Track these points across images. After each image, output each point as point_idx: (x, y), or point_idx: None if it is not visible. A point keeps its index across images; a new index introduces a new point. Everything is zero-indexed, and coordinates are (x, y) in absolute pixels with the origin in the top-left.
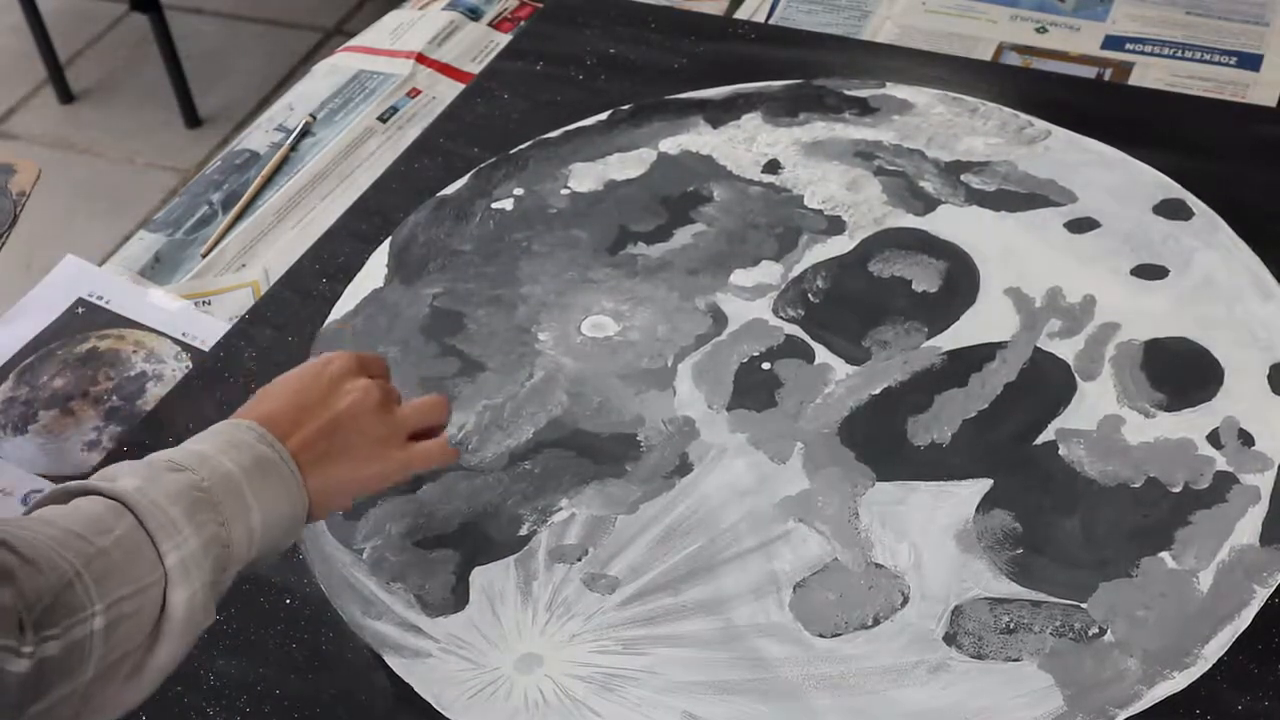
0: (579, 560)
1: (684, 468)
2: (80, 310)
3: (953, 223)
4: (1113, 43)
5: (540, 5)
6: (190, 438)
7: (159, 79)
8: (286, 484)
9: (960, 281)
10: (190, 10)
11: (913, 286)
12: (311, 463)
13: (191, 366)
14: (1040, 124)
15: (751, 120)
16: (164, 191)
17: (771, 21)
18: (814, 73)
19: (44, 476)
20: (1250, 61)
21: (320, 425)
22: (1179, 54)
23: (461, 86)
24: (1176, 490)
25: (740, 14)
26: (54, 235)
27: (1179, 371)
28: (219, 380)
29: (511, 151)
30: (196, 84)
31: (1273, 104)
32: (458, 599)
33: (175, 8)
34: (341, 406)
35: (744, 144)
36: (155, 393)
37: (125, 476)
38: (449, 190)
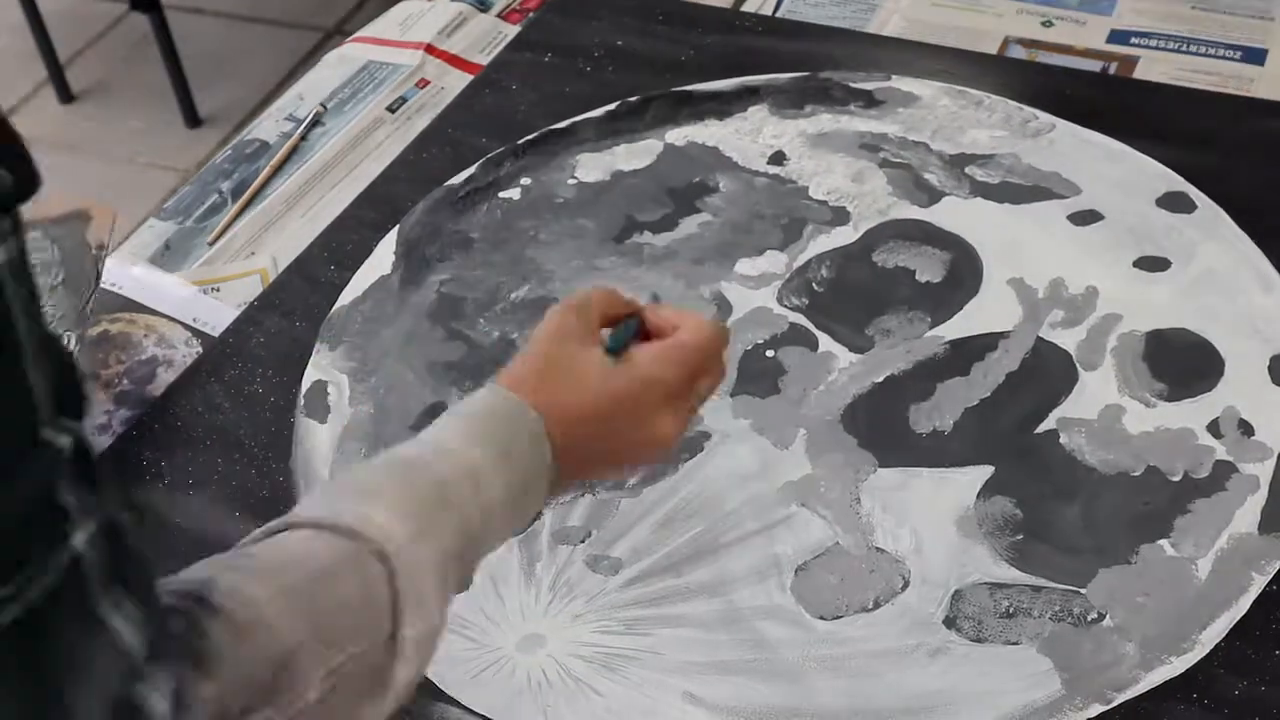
0: (582, 542)
1: (687, 452)
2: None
3: (957, 214)
4: (1118, 37)
5: None
6: (468, 409)
7: (159, 79)
8: (532, 506)
9: (963, 272)
10: (190, 10)
11: (916, 277)
12: (565, 481)
13: (201, 352)
14: (1045, 117)
15: (758, 112)
16: (164, 191)
17: (778, 14)
18: (820, 65)
19: None
20: (1255, 56)
21: (605, 454)
22: (1184, 48)
23: (470, 77)
24: (1176, 479)
25: (747, 7)
26: None
27: (1180, 362)
28: (228, 365)
29: (519, 142)
30: (196, 84)
31: (1277, 98)
32: None
33: (175, 8)
34: (640, 442)
35: (750, 135)
36: (165, 377)
37: (391, 511)
38: (457, 180)
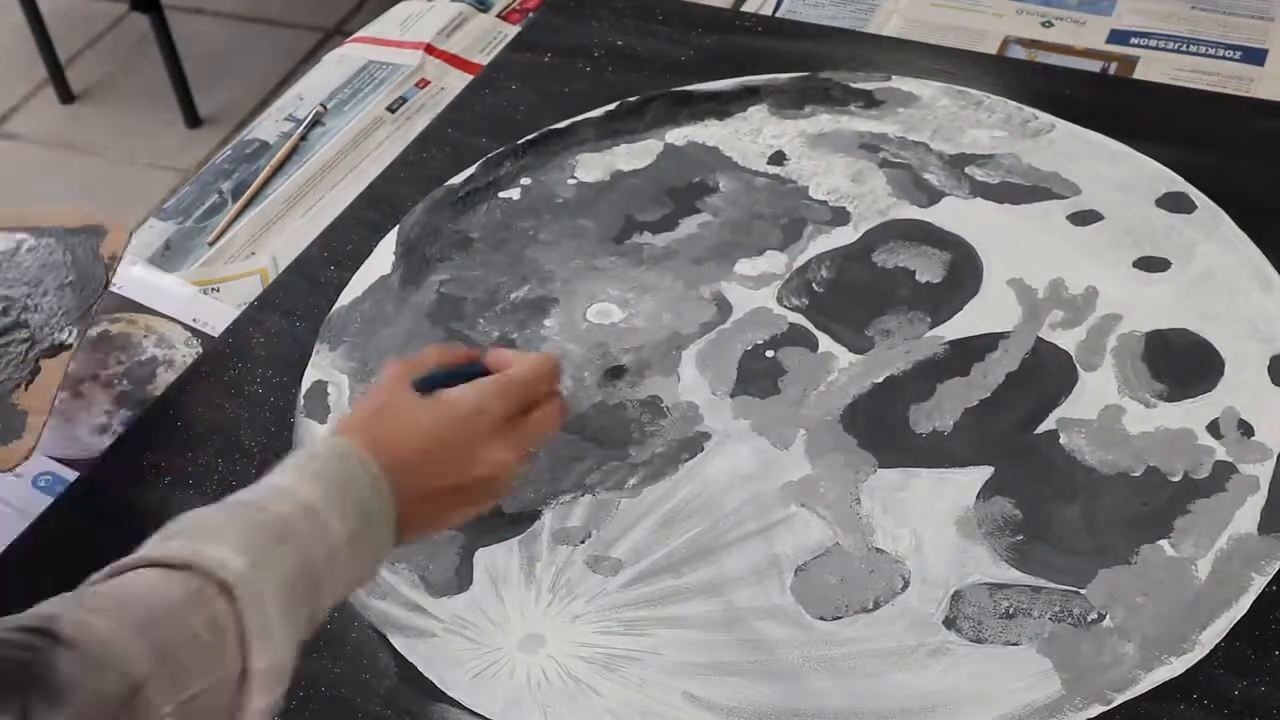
0: (582, 542)
1: (687, 452)
2: None
3: (956, 214)
4: (1118, 37)
5: None
6: (305, 455)
7: (159, 79)
8: (379, 547)
9: (963, 272)
10: (190, 10)
11: (916, 277)
12: (413, 523)
13: (201, 352)
14: (1045, 117)
15: (758, 112)
16: (164, 191)
17: (778, 14)
18: (820, 65)
19: (54, 459)
20: (1255, 56)
21: (442, 490)
22: (1184, 48)
23: (470, 77)
24: (1176, 479)
25: (747, 7)
26: None
27: (1180, 362)
28: (227, 366)
29: (519, 142)
30: (196, 84)
31: (1277, 98)
32: (461, 580)
33: (175, 8)
34: (472, 478)
35: (750, 135)
36: (165, 377)
37: (229, 545)
38: (457, 180)
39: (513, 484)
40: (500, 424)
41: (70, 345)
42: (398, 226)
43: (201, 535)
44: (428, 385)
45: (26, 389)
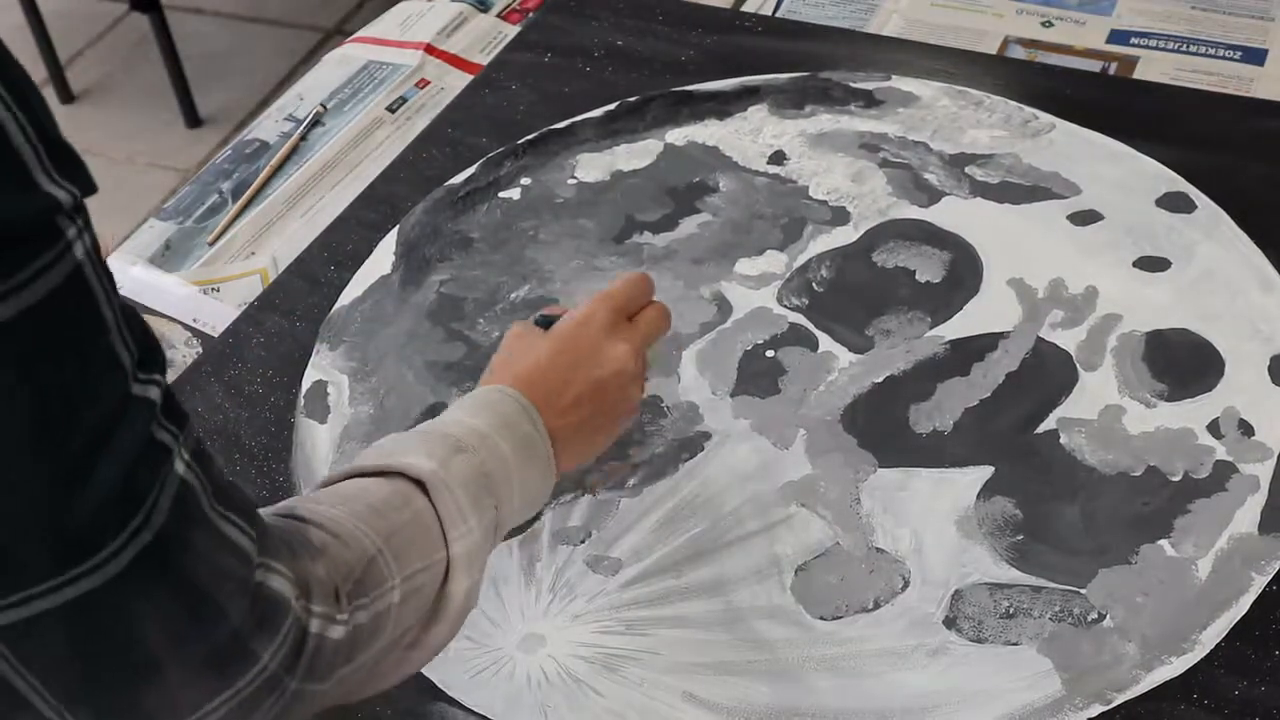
0: (582, 542)
1: (687, 452)
2: None
3: (956, 214)
4: (1118, 37)
5: None
6: (458, 403)
7: (159, 79)
8: (544, 465)
9: (963, 272)
10: (190, 10)
11: (916, 277)
12: (565, 438)
13: (201, 352)
14: (1045, 117)
15: (758, 112)
16: (164, 191)
17: (778, 14)
18: (820, 65)
19: None
20: (1255, 56)
21: (577, 395)
22: (1184, 48)
23: (470, 77)
24: (1176, 479)
25: (747, 7)
26: None
27: (1180, 362)
28: (227, 366)
29: (519, 142)
30: (196, 84)
31: (1277, 98)
32: None
33: (175, 8)
34: (601, 376)
35: (750, 135)
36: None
37: (418, 455)
38: (457, 180)
39: (641, 385)
40: (610, 325)
41: None
42: (398, 226)
43: (394, 450)
44: (547, 323)
45: None
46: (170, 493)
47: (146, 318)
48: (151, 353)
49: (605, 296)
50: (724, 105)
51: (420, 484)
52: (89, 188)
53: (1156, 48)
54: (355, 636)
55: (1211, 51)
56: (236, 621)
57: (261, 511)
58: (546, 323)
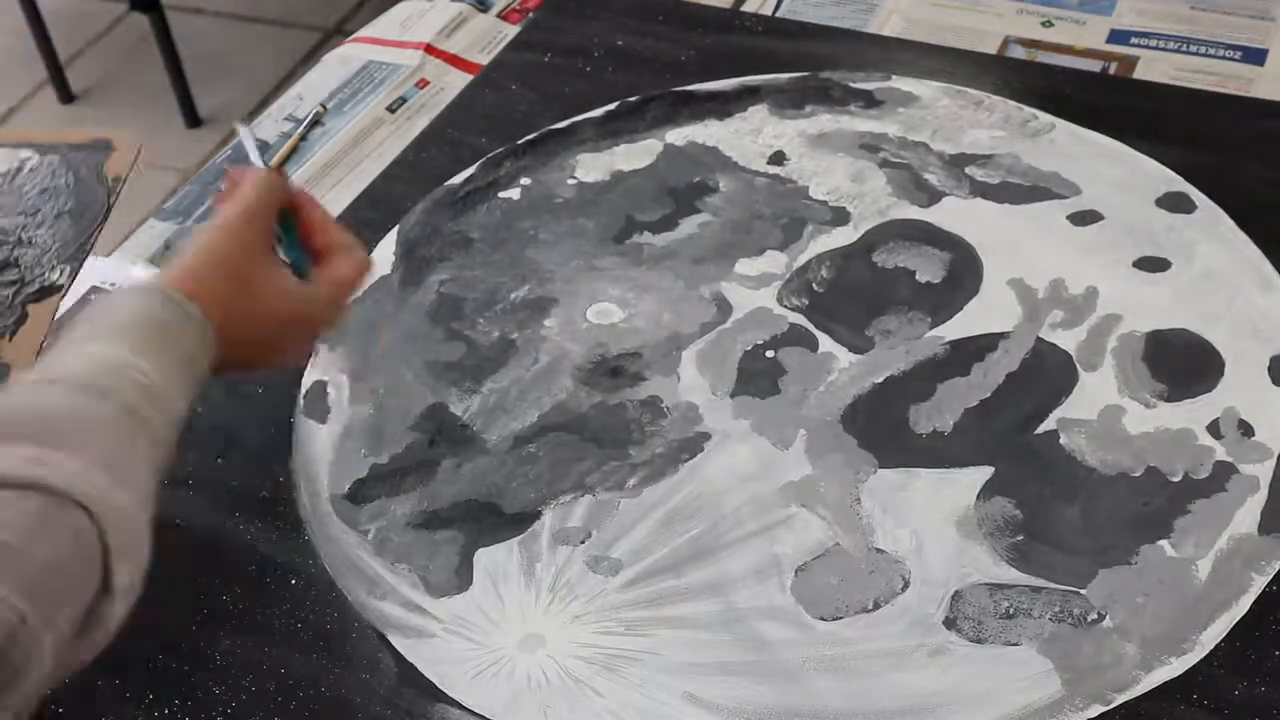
0: (582, 543)
1: (687, 453)
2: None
3: (956, 214)
4: (1118, 37)
5: None
6: (111, 312)
7: (159, 79)
8: (203, 370)
9: (963, 272)
10: (190, 10)
11: (916, 277)
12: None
13: None
14: (1045, 117)
15: (758, 112)
16: (164, 192)
17: (778, 14)
18: (820, 65)
19: None
20: (1255, 56)
21: (266, 353)
22: (1184, 48)
23: (470, 77)
24: (1176, 479)
25: (747, 7)
26: None
27: (1180, 363)
28: None
29: (519, 142)
30: (196, 84)
31: (1277, 98)
32: (461, 580)
33: (175, 8)
34: (295, 349)
35: (750, 135)
36: None
37: (82, 459)
38: (457, 180)
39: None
40: (329, 318)
41: (60, 287)
42: (398, 226)
43: (45, 437)
44: (287, 238)
45: (10, 339)
46: None
47: None
48: None
49: (341, 297)
50: (724, 105)
51: (90, 512)
52: None
53: (1156, 48)
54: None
55: (1211, 51)
56: None
57: None
58: (300, 265)
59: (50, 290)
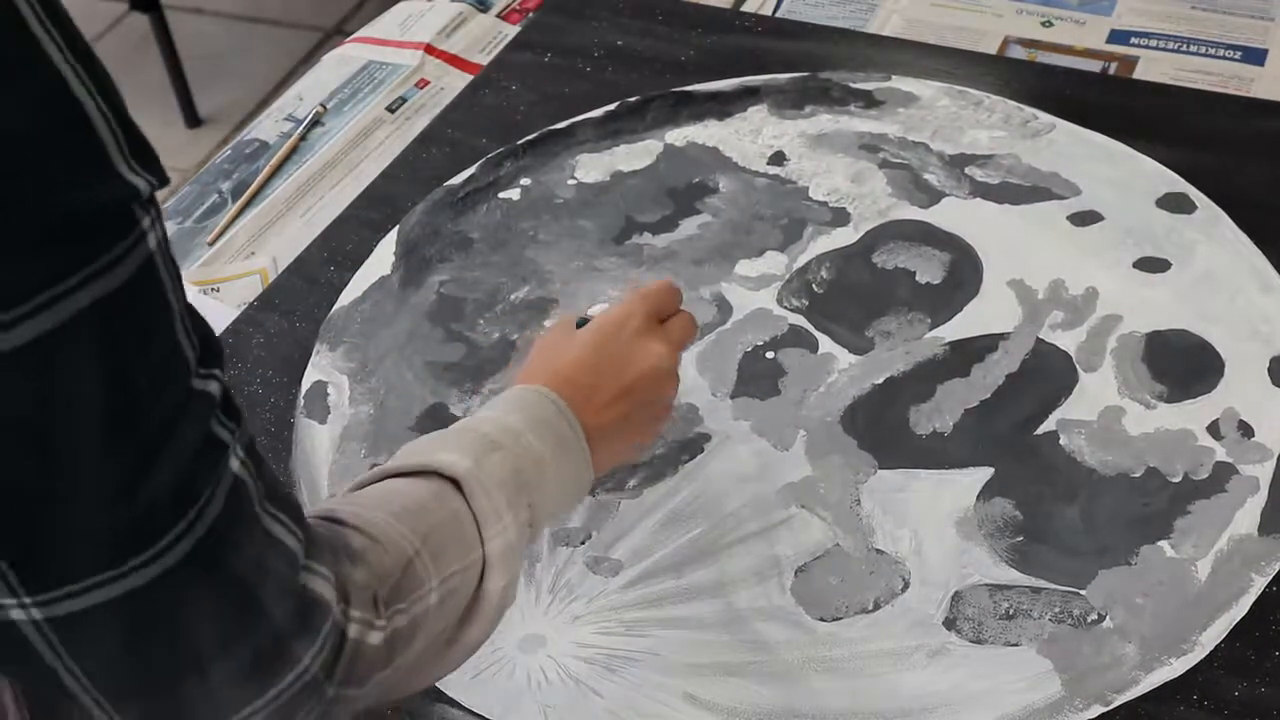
0: (582, 543)
1: (687, 454)
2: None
3: (956, 215)
4: (1118, 37)
5: None
6: (492, 402)
7: (159, 79)
8: (580, 465)
9: (963, 273)
10: (190, 10)
11: (916, 278)
12: (600, 436)
13: None
14: (1045, 117)
15: (758, 112)
16: (164, 191)
17: (778, 14)
18: (820, 65)
19: None
20: (1255, 56)
21: (614, 394)
22: (1184, 48)
23: (470, 78)
24: (1176, 480)
25: (747, 7)
26: None
27: (1180, 363)
28: (227, 365)
29: (519, 142)
30: (196, 84)
31: (1277, 98)
32: None
33: (175, 8)
34: (637, 374)
35: (750, 136)
36: None
37: (453, 453)
38: (457, 180)
39: (675, 384)
40: (647, 324)
41: None
42: (398, 227)
43: (428, 448)
44: (584, 324)
45: None
46: (224, 489)
47: None
48: (211, 348)
49: (641, 297)
50: (724, 105)
51: (455, 482)
52: (163, 179)
53: (1156, 48)
54: (393, 641)
55: (1211, 51)
56: (280, 622)
57: (309, 514)
58: (584, 324)
59: None
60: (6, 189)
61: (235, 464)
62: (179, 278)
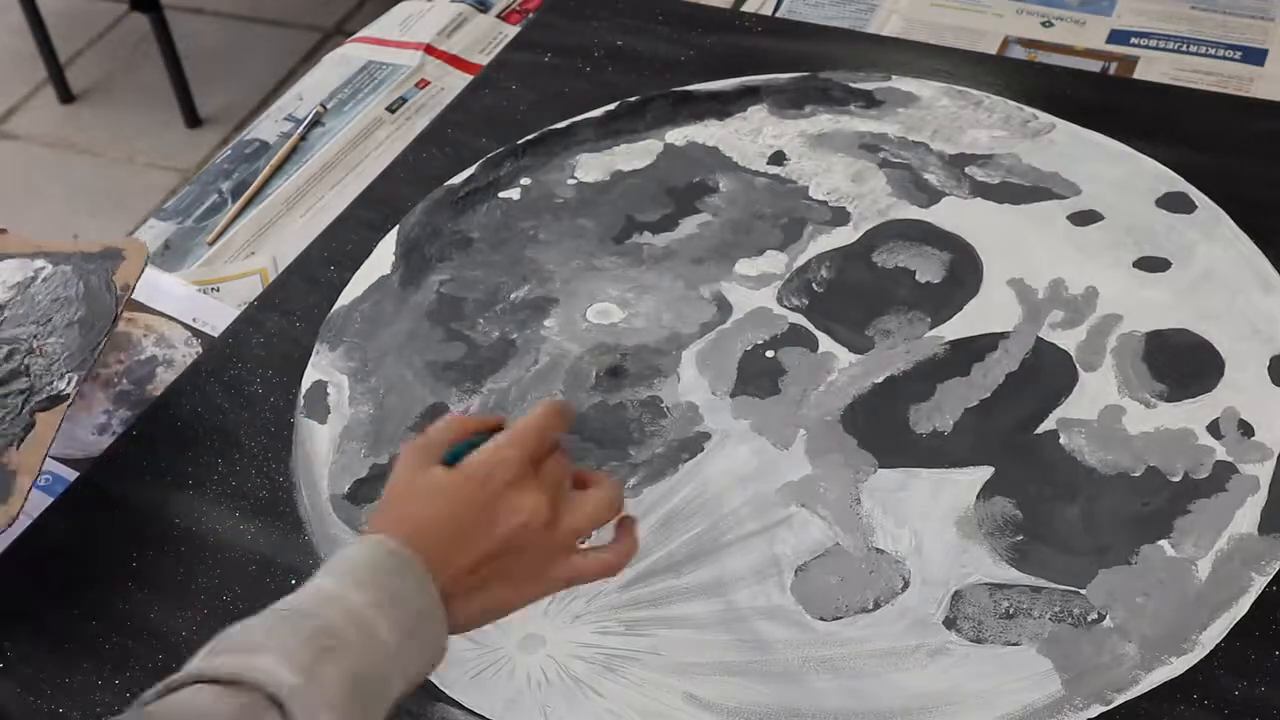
0: (582, 543)
1: (687, 453)
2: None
3: (956, 214)
4: (1118, 37)
5: None
6: (346, 559)
7: (159, 79)
8: (433, 639)
9: (963, 272)
10: (190, 10)
11: (916, 277)
12: (463, 595)
13: (201, 352)
14: (1045, 117)
15: (758, 112)
16: (164, 191)
17: (778, 14)
18: (820, 65)
19: (54, 459)
20: (1255, 56)
21: (481, 554)
22: (1184, 48)
23: (470, 78)
24: (1176, 479)
25: (747, 7)
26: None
27: (1180, 363)
28: (228, 365)
29: (519, 142)
30: (196, 84)
31: (1277, 98)
32: None
33: (175, 8)
34: (507, 530)
35: (750, 136)
36: (165, 377)
37: (279, 659)
38: (457, 180)
39: (555, 539)
40: (521, 472)
41: (67, 396)
42: (398, 226)
43: (249, 649)
44: (454, 459)
45: (19, 447)
46: None
47: (146, 317)
48: None
49: (514, 441)
50: (724, 105)
51: (277, 702)
52: None
53: (1156, 48)
54: None
55: (1211, 51)
56: None
57: None
58: (453, 456)
59: (58, 399)
60: None
61: None
62: None
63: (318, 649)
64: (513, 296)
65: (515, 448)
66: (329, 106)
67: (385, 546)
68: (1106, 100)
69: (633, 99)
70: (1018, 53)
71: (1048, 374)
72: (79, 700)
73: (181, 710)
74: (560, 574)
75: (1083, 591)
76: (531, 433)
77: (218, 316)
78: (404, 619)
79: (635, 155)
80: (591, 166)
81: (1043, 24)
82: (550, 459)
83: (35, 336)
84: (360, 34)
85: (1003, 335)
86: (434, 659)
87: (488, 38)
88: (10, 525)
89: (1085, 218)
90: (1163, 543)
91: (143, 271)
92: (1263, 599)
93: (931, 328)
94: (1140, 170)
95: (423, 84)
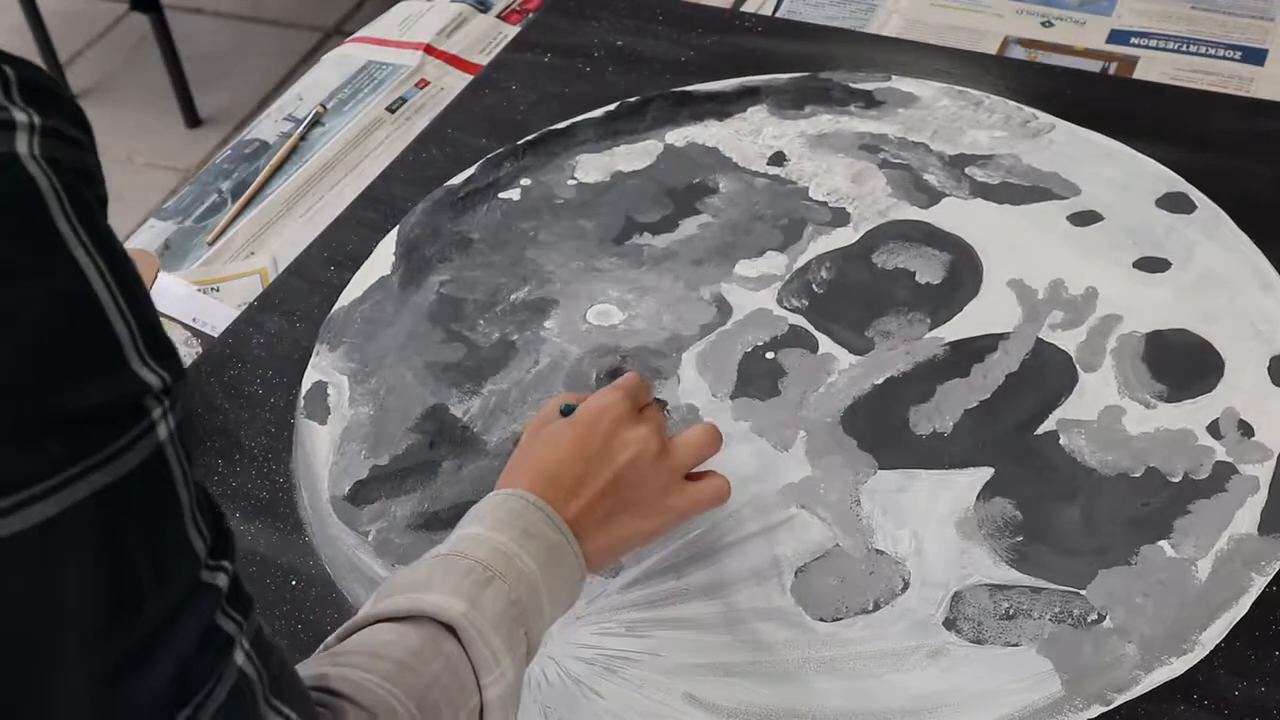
0: None
1: None
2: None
3: (956, 215)
4: (1118, 37)
5: None
6: (479, 512)
7: (159, 79)
8: (572, 570)
9: (963, 273)
10: (190, 10)
11: (916, 278)
12: (591, 528)
13: (201, 352)
14: (1045, 117)
15: (758, 113)
16: (164, 191)
17: (778, 14)
18: (820, 65)
19: None
20: (1255, 56)
21: (600, 488)
22: (1184, 48)
23: (470, 78)
24: (1176, 480)
25: (747, 7)
26: None
27: (1180, 363)
28: (227, 366)
29: (519, 142)
30: (196, 84)
31: (1277, 98)
32: None
33: (175, 8)
34: (621, 462)
35: (750, 136)
36: None
37: (445, 594)
38: (457, 180)
39: (668, 472)
40: (627, 411)
41: None
42: (398, 227)
43: (417, 587)
44: (569, 411)
45: None
46: (227, 685)
47: None
48: (223, 538)
49: (618, 388)
50: (724, 106)
51: (450, 627)
52: (179, 373)
53: (1156, 48)
54: None
55: (1211, 51)
56: None
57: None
58: (569, 411)
59: None
60: (13, 379)
61: (240, 657)
62: (191, 466)
63: (476, 581)
64: (513, 297)
65: (619, 392)
66: (329, 106)
67: (515, 494)
68: (1106, 100)
69: (633, 99)
70: (1018, 53)
71: (1048, 375)
72: None
73: (370, 644)
74: (676, 503)
75: (1083, 592)
76: (634, 381)
77: (217, 316)
78: (540, 551)
79: (635, 156)
80: (591, 167)
81: (1043, 24)
82: (649, 406)
83: None
84: (360, 34)
85: (1003, 336)
86: (575, 588)
87: (488, 38)
88: None
89: (1085, 218)
90: (1163, 543)
91: (155, 280)
92: (1263, 599)
93: (931, 329)
94: (1140, 170)
95: (422, 84)
